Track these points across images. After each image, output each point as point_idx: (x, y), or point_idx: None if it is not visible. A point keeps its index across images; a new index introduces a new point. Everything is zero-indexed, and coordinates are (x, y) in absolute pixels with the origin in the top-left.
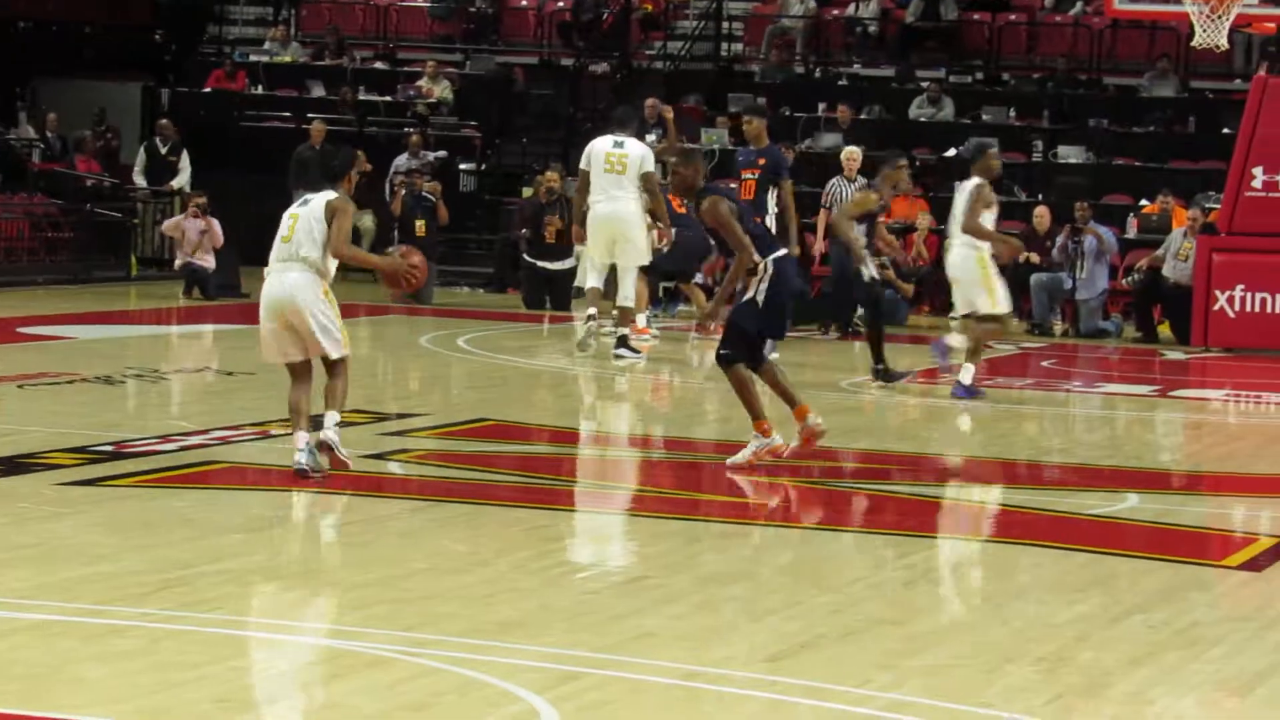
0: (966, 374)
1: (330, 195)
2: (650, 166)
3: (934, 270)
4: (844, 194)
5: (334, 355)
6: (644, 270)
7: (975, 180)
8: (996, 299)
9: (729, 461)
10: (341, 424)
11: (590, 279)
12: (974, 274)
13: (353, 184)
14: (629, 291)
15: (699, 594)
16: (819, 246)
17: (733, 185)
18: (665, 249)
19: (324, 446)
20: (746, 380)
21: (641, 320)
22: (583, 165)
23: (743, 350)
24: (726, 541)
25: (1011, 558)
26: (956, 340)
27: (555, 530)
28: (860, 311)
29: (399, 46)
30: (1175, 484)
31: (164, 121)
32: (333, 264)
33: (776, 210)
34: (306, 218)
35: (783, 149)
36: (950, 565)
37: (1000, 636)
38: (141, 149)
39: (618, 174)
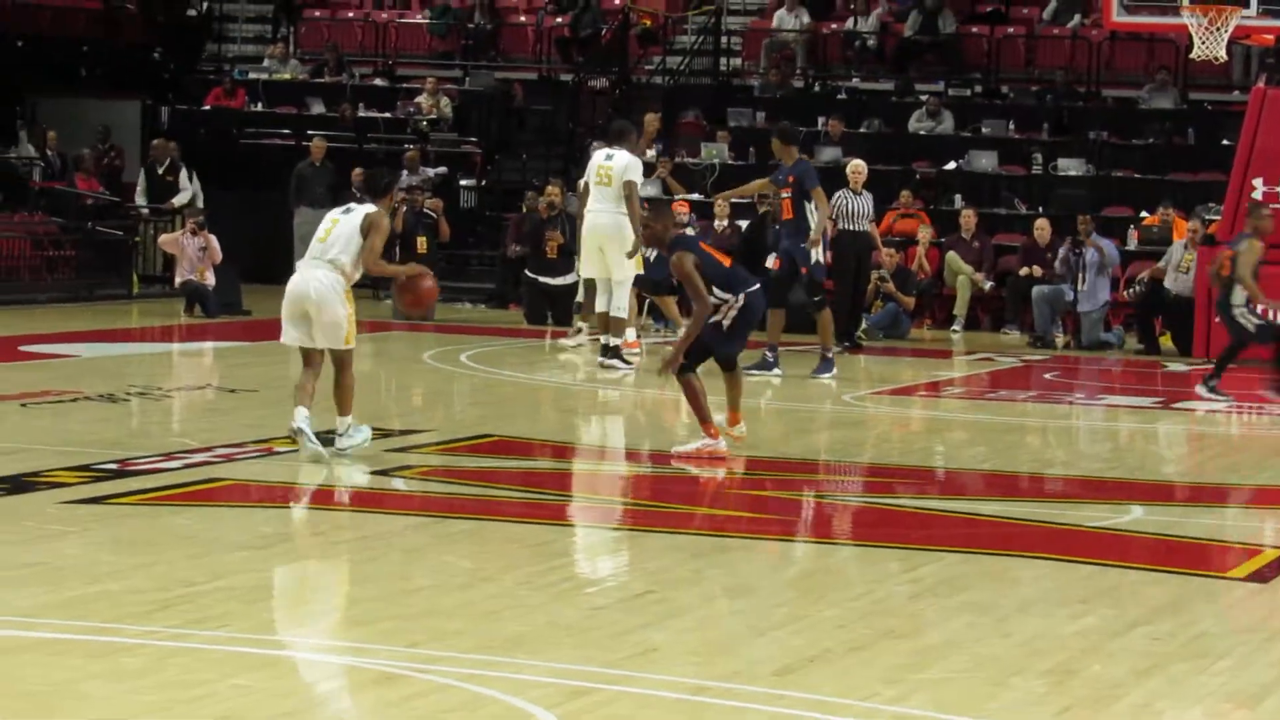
0: None
1: (370, 209)
2: (633, 175)
3: (934, 283)
4: (850, 206)
5: (335, 346)
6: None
7: None
8: None
9: (675, 450)
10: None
11: (592, 298)
12: None
13: (392, 201)
14: (620, 302)
15: (705, 608)
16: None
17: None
18: (632, 256)
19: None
20: (698, 389)
21: (630, 334)
22: (584, 179)
23: (696, 362)
24: (731, 556)
25: (1016, 570)
26: None
27: (560, 545)
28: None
29: (398, 63)
30: (1179, 496)
31: (157, 141)
32: (358, 271)
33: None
34: (346, 224)
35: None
36: (955, 578)
37: (1006, 649)
38: (143, 172)
39: (604, 185)
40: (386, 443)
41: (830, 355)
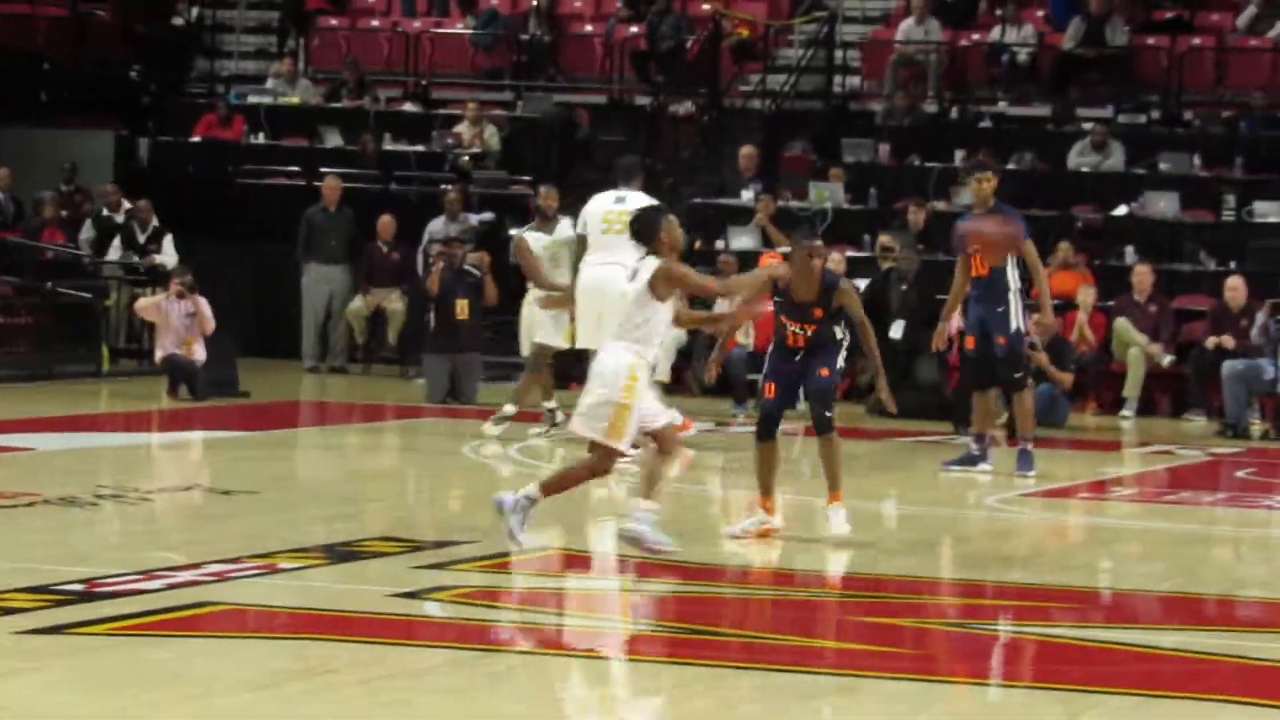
0: None
1: None
2: None
3: (1099, 357)
4: None
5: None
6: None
7: None
8: None
9: (726, 530)
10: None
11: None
12: None
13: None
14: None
15: None
16: (955, 324)
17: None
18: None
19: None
20: (771, 460)
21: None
22: (578, 229)
23: (776, 425)
24: (850, 698)
25: (1204, 717)
26: None
27: (637, 686)
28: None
29: (433, 84)
30: None
31: (143, 203)
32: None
33: (1021, 285)
34: None
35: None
36: None
37: None
38: (90, 222)
39: (616, 234)
40: (417, 558)
41: (1030, 447)
